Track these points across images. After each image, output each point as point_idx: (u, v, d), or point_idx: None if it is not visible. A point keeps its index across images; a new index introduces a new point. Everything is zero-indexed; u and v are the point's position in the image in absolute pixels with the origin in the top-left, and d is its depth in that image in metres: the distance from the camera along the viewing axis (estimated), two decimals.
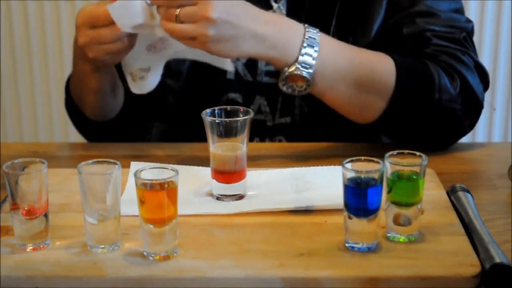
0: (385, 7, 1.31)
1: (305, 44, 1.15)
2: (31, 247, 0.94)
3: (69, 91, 1.39)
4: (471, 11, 2.25)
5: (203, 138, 1.09)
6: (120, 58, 1.21)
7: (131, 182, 1.06)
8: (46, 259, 0.92)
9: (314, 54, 1.16)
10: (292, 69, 1.15)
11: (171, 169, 0.92)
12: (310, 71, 1.15)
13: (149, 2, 1.13)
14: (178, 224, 0.92)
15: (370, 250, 0.92)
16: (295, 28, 1.17)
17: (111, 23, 1.14)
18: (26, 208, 0.93)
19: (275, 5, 1.33)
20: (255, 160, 1.20)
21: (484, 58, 2.27)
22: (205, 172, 1.10)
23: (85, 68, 1.25)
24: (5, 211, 1.01)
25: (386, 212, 0.95)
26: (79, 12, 1.17)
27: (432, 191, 1.07)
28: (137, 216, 0.92)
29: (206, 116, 1.05)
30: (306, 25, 1.18)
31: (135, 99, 1.33)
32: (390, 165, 0.93)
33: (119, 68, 1.28)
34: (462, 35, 1.29)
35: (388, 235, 0.95)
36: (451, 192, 1.07)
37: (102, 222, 0.93)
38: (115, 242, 0.94)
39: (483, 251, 0.91)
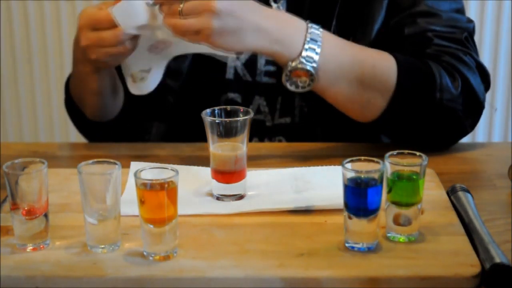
0: (386, 7, 1.31)
1: (308, 39, 1.15)
2: (31, 247, 0.94)
3: (69, 91, 1.39)
4: (471, 11, 2.25)
5: (203, 138, 1.09)
6: (121, 60, 1.21)
7: (131, 182, 1.06)
8: (46, 259, 0.92)
9: (317, 49, 1.16)
10: (295, 63, 1.15)
11: (171, 169, 0.92)
12: (314, 65, 1.15)
13: (151, 2, 1.13)
14: (178, 224, 0.92)
15: (370, 250, 0.92)
16: (298, 24, 1.17)
17: (113, 26, 1.14)
18: (26, 208, 0.93)
19: (274, 5, 1.33)
20: (255, 160, 1.20)
21: (484, 58, 2.27)
22: (205, 172, 1.10)
23: (85, 69, 1.25)
24: (5, 211, 1.01)
25: (386, 212, 0.95)
26: (81, 13, 1.17)
27: (432, 191, 1.07)
28: (137, 216, 0.92)
29: (206, 116, 1.05)
30: (308, 21, 1.18)
31: (135, 99, 1.33)
32: (390, 165, 0.93)
33: (119, 69, 1.28)
34: (464, 35, 1.29)
35: (388, 235, 0.95)
36: (451, 192, 1.07)
37: (102, 222, 0.93)
38: (115, 242, 0.94)
39: (483, 251, 0.91)
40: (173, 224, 0.91)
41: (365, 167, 0.92)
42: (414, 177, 0.94)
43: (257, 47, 1.15)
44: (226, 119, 1.05)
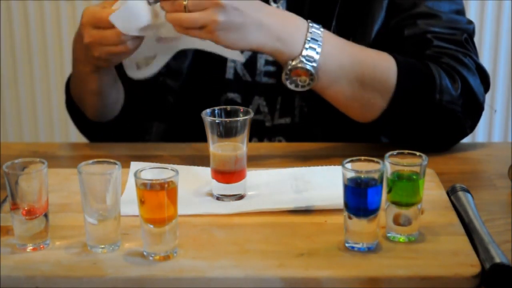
0: (386, 8, 1.31)
1: (309, 38, 1.16)
2: (31, 247, 0.94)
3: (69, 91, 1.39)
4: (471, 12, 2.25)
5: (203, 138, 1.09)
6: (123, 59, 1.21)
7: (131, 182, 1.06)
8: (46, 259, 0.92)
9: (318, 48, 1.16)
10: (296, 62, 1.15)
11: (171, 169, 0.92)
12: (314, 64, 1.15)
13: (151, 0, 1.12)
14: (178, 224, 0.92)
15: (370, 250, 0.92)
16: (299, 23, 1.17)
17: (114, 26, 1.13)
18: (26, 208, 0.93)
19: (274, 6, 1.32)
20: (255, 160, 1.20)
21: (484, 58, 2.27)
22: (205, 172, 1.10)
23: (85, 69, 1.25)
24: (5, 211, 1.01)
25: (386, 212, 0.95)
26: (84, 11, 1.18)
27: (432, 191, 1.07)
28: (137, 216, 0.92)
29: (206, 116, 1.05)
30: (309, 20, 1.18)
31: (135, 99, 1.33)
32: (390, 165, 0.93)
33: (118, 68, 1.28)
34: (464, 37, 1.29)
35: (388, 235, 0.95)
36: (451, 192, 1.07)
37: (102, 222, 0.93)
38: (115, 242, 0.94)
39: (483, 251, 0.91)
40: (173, 224, 0.91)
41: (365, 167, 0.92)
42: (414, 177, 0.94)
43: (259, 44, 1.15)
44: (226, 119, 1.05)
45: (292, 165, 1.17)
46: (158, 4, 1.12)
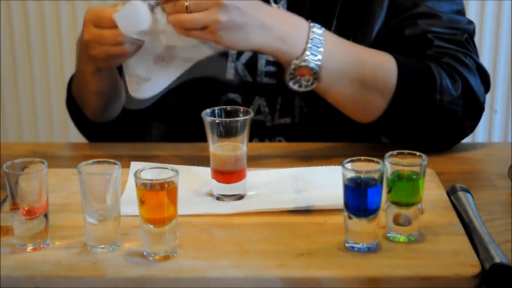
0: (386, 8, 1.31)
1: (311, 38, 1.16)
2: (31, 247, 0.94)
3: (70, 90, 1.39)
4: (471, 12, 2.25)
5: (203, 138, 1.09)
6: (120, 61, 1.21)
7: (131, 182, 1.06)
8: (46, 259, 0.92)
9: (320, 48, 1.16)
10: (299, 61, 1.15)
11: (171, 169, 0.92)
12: (319, 63, 1.16)
13: (152, 3, 1.13)
14: (178, 224, 0.92)
15: (370, 250, 0.92)
16: (300, 23, 1.18)
17: (114, 26, 1.14)
18: (26, 208, 0.93)
19: (274, 6, 1.32)
20: (255, 160, 1.20)
21: (484, 58, 2.27)
22: (205, 172, 1.10)
23: (87, 69, 1.26)
24: (5, 211, 1.01)
25: (386, 212, 0.95)
26: (88, 9, 1.19)
27: (432, 191, 1.07)
28: (137, 216, 0.92)
29: (206, 116, 1.05)
30: (310, 20, 1.18)
31: None
32: (390, 165, 0.93)
33: (120, 69, 1.28)
34: (464, 37, 1.29)
35: (388, 235, 0.95)
36: (451, 192, 1.07)
37: (102, 222, 0.93)
38: (115, 242, 0.94)
39: (483, 251, 0.91)
40: (173, 224, 0.91)
41: (365, 167, 0.92)
42: (414, 177, 0.94)
43: (261, 44, 1.15)
44: (226, 119, 1.05)
45: (292, 165, 1.17)
46: (159, 11, 1.13)
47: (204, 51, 1.18)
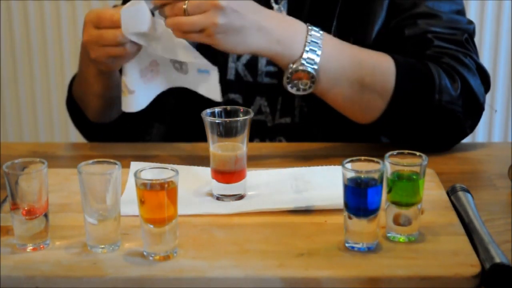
0: (386, 8, 1.31)
1: (309, 41, 1.16)
2: (31, 247, 0.94)
3: (71, 90, 1.39)
4: (471, 12, 2.25)
5: (203, 138, 1.09)
6: (120, 64, 1.21)
7: (131, 182, 1.06)
8: (46, 259, 0.92)
9: (318, 51, 1.16)
10: (297, 65, 1.15)
11: (171, 169, 0.92)
12: (315, 67, 1.16)
13: (151, 6, 1.13)
14: (178, 224, 0.92)
15: (370, 250, 0.92)
16: (298, 26, 1.18)
17: (114, 26, 1.14)
18: (26, 208, 0.93)
19: (275, 6, 1.33)
20: (255, 160, 1.20)
21: (484, 58, 2.27)
22: (205, 172, 1.10)
23: (89, 70, 1.26)
24: (5, 211, 1.01)
25: (386, 212, 0.95)
26: (89, 11, 1.19)
27: (432, 191, 1.07)
28: (137, 216, 0.92)
29: (206, 116, 1.05)
30: (308, 24, 1.18)
31: None
32: (390, 165, 0.93)
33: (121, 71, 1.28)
34: (464, 37, 1.29)
35: (388, 235, 0.95)
36: (451, 192, 1.07)
37: (102, 222, 0.93)
38: (115, 242, 0.94)
39: (483, 251, 0.91)
40: (173, 224, 0.91)
41: (365, 167, 0.92)
42: (414, 177, 0.94)
43: (259, 48, 1.15)
44: (226, 119, 1.05)
45: (292, 165, 1.17)
46: (158, 16, 1.13)
47: (190, 73, 1.18)
